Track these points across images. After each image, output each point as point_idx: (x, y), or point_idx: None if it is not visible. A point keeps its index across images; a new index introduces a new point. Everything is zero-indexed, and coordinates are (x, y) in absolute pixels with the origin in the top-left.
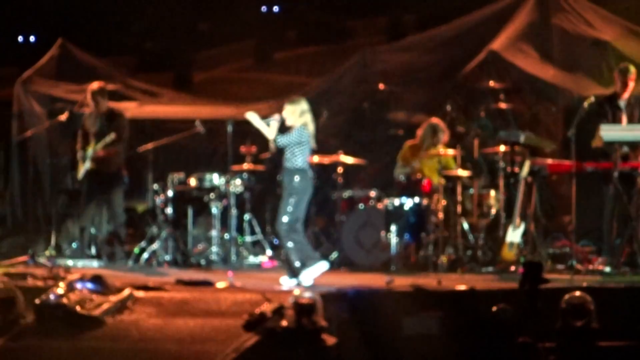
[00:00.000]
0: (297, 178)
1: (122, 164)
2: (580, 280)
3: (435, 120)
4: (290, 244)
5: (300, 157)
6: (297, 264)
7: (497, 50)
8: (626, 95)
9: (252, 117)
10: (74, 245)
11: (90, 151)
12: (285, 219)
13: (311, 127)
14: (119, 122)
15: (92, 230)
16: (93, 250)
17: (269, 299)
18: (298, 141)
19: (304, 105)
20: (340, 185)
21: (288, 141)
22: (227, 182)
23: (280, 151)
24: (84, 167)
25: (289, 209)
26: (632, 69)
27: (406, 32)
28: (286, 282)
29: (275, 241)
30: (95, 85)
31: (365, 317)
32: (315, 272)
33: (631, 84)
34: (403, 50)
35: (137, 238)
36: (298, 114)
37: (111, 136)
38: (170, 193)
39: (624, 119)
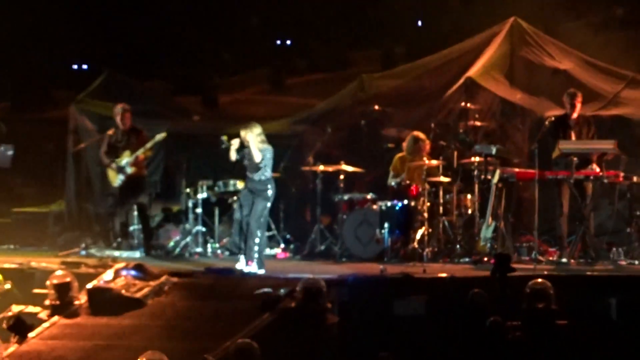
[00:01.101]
0: (270, 186)
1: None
2: (541, 269)
3: (415, 132)
4: (259, 237)
5: (270, 170)
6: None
7: (473, 77)
8: (575, 115)
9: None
10: (119, 239)
11: (126, 160)
12: (262, 220)
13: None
14: (144, 136)
15: (133, 227)
16: (135, 243)
17: (282, 284)
18: (271, 157)
19: (259, 128)
20: (341, 190)
21: (267, 162)
22: None
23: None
24: (122, 175)
25: (266, 212)
26: (579, 93)
27: (397, 62)
28: (244, 266)
29: (287, 236)
30: (122, 105)
31: (362, 300)
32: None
33: (578, 106)
34: (394, 77)
35: (173, 233)
36: (259, 137)
37: (162, 135)
38: (200, 196)
39: (573, 135)
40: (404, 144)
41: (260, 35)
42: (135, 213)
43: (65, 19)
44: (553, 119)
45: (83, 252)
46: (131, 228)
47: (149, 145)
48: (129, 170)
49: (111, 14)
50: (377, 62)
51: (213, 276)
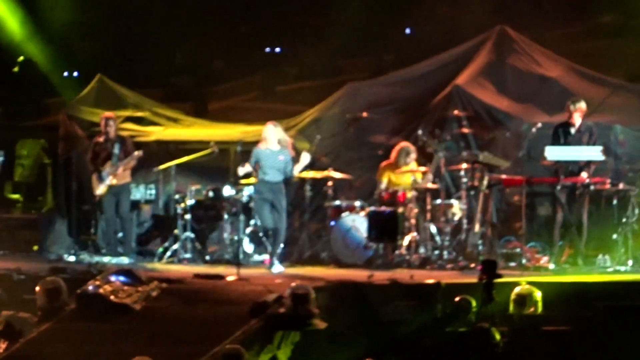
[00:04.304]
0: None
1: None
2: (528, 275)
3: (406, 143)
4: None
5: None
6: None
7: (461, 85)
8: (575, 122)
9: (307, 158)
10: (108, 245)
11: (106, 171)
12: None
13: None
14: (130, 145)
15: (120, 234)
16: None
17: (271, 290)
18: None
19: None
20: (330, 196)
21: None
22: (237, 194)
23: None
24: (103, 185)
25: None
26: (582, 101)
27: (386, 70)
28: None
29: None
30: (109, 113)
31: (350, 306)
32: None
33: (578, 113)
34: (383, 85)
35: (162, 239)
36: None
37: (139, 153)
38: (189, 202)
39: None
40: (393, 154)
41: (251, 43)
42: (120, 219)
43: (57, 25)
44: (540, 125)
45: (73, 258)
46: (120, 234)
47: (124, 162)
48: (109, 181)
49: (102, 21)
50: (366, 69)
51: (202, 282)
